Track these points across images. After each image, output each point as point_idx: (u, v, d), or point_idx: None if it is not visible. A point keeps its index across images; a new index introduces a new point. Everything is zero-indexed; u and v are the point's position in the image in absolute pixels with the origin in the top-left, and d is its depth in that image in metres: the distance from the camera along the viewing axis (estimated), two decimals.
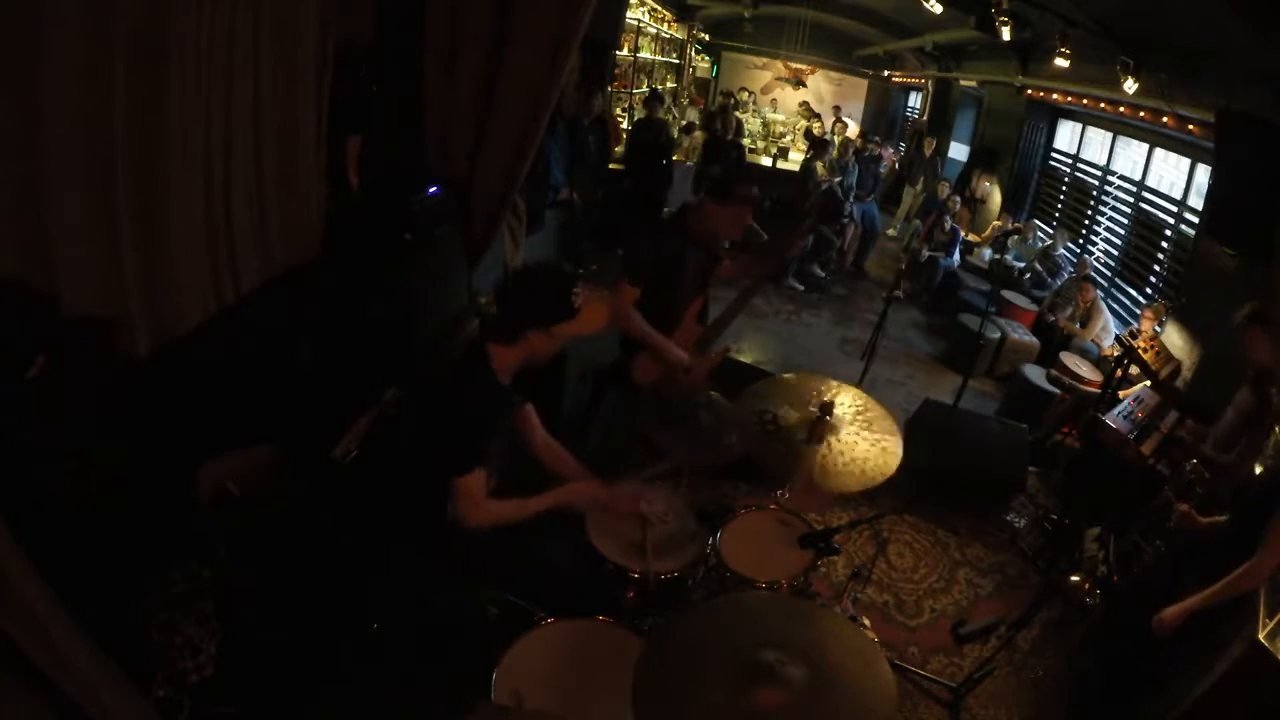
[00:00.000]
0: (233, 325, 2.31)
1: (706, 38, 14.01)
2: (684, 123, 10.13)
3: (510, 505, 1.99)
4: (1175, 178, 5.68)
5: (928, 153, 9.82)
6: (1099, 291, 5.74)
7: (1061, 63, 5.38)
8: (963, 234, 7.57)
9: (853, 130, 11.73)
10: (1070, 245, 7.00)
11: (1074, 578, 3.22)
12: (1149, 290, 5.70)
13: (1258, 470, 2.51)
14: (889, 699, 1.36)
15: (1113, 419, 3.59)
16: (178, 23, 1.92)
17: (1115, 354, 4.43)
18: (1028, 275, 6.71)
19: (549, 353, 1.98)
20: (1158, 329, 4.58)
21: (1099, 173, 6.93)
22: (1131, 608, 2.65)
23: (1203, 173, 5.09)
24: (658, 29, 11.06)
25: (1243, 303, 2.98)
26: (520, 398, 2.11)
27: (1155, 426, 3.44)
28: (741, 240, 3.29)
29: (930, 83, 11.14)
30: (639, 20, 9.78)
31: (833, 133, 10.15)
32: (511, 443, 2.18)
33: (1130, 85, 4.68)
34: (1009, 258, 7.16)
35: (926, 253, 7.36)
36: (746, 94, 13.00)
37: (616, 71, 9.05)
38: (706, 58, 14.47)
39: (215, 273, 2.32)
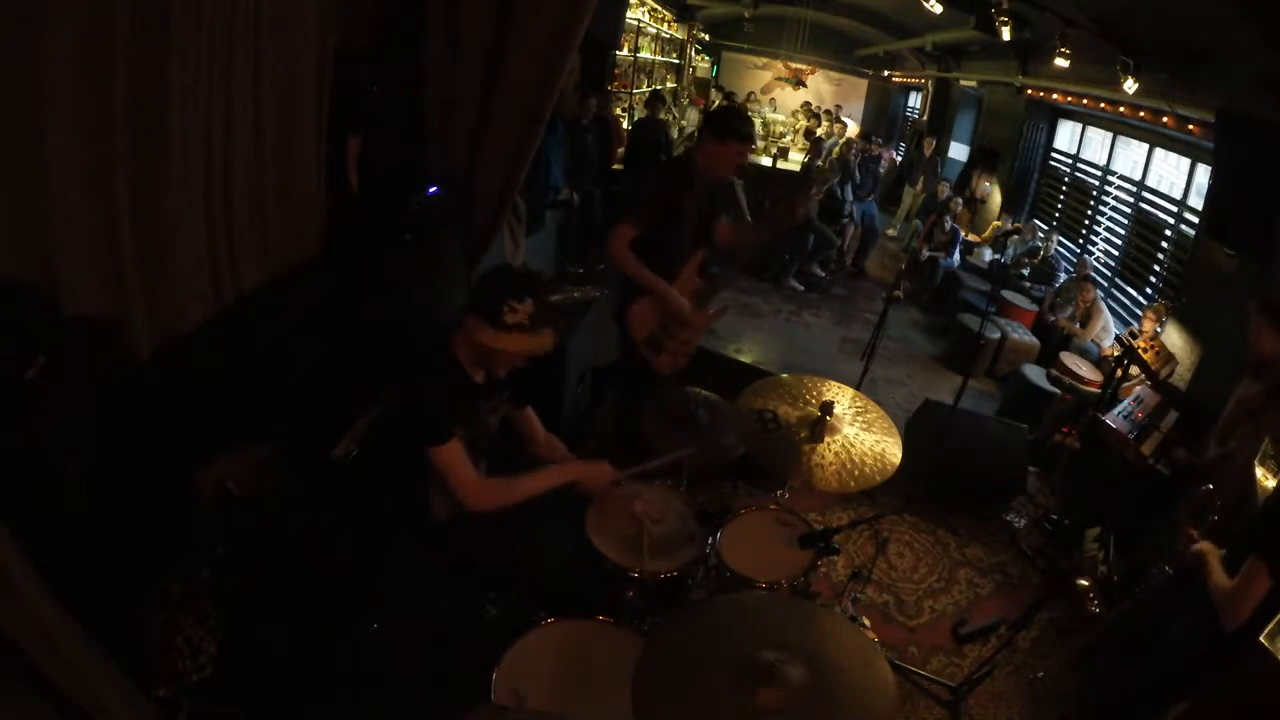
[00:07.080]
0: (233, 325, 2.32)
1: (706, 38, 14.02)
2: (684, 122, 10.13)
3: (504, 482, 1.95)
4: (1175, 178, 5.68)
5: (928, 153, 9.82)
6: (1099, 291, 5.74)
7: (1061, 63, 5.38)
8: (963, 234, 7.57)
9: (853, 130, 11.74)
10: (1066, 243, 6.98)
11: (1081, 582, 3.21)
12: (1149, 290, 5.70)
13: (1258, 473, 2.50)
14: (889, 699, 1.36)
15: (1113, 419, 3.58)
16: (178, 22, 1.93)
17: (1115, 354, 4.43)
18: (1026, 268, 6.72)
19: (504, 357, 1.90)
20: (1158, 329, 4.58)
21: (1099, 173, 6.93)
22: (1131, 634, 2.64)
23: (1203, 173, 5.09)
24: (658, 29, 11.05)
25: (1246, 301, 2.97)
26: (510, 391, 2.10)
27: (1155, 426, 3.43)
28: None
29: (930, 83, 11.14)
30: (639, 20, 9.77)
31: (834, 134, 10.16)
32: (506, 437, 2.18)
33: (1130, 85, 4.68)
34: (1008, 258, 7.17)
35: (926, 253, 7.36)
36: (749, 96, 13.01)
37: (616, 71, 9.04)
38: (706, 58, 14.48)
39: (215, 273, 2.32)
